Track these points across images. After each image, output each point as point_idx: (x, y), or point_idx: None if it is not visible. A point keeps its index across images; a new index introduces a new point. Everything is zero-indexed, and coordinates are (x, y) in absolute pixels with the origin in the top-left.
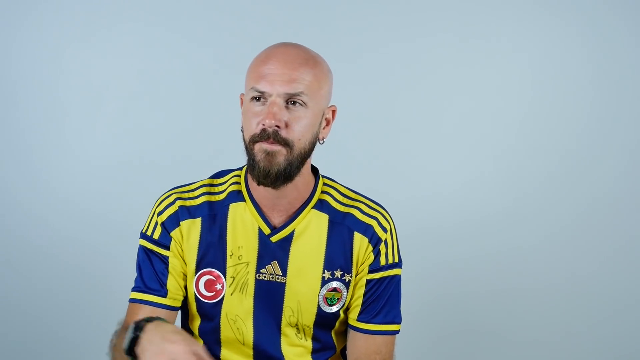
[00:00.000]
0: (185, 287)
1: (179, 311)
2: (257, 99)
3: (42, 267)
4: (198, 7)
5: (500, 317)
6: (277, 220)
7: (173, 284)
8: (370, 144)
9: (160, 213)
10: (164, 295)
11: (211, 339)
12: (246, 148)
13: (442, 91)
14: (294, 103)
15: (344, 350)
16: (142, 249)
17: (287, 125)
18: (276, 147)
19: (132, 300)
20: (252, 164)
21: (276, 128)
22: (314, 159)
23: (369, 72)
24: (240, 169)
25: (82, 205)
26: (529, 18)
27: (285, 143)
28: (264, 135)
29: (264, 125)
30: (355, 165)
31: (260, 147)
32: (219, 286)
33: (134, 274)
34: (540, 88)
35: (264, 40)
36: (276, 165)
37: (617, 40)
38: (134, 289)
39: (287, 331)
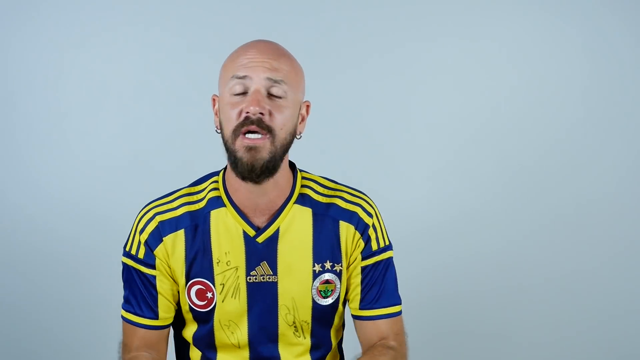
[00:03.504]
0: (178, 303)
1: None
2: (239, 93)
3: (42, 269)
4: (199, 10)
5: (495, 316)
6: (260, 221)
7: (164, 304)
8: (360, 143)
9: (141, 231)
10: (156, 317)
11: (206, 344)
12: (226, 145)
13: (442, 92)
14: (274, 95)
15: (340, 344)
16: (127, 267)
17: (270, 114)
18: (259, 141)
19: (125, 320)
20: (234, 161)
21: (260, 115)
22: (304, 157)
23: (363, 74)
24: (217, 173)
25: (82, 206)
26: (526, 17)
27: (269, 130)
28: (246, 123)
29: (247, 113)
30: (345, 164)
31: (241, 143)
32: (209, 294)
33: None
34: (542, 89)
35: None
36: (260, 160)
37: (617, 40)
38: (125, 308)
39: (285, 331)
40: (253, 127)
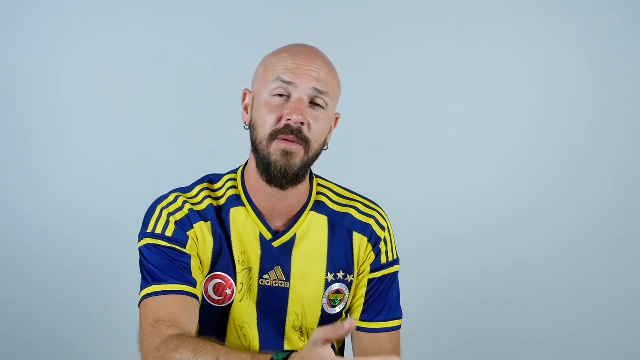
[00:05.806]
0: None
1: None
2: (280, 94)
3: (43, 270)
4: (201, 9)
5: (508, 324)
6: (277, 224)
7: (198, 277)
8: (375, 148)
9: (172, 213)
10: (194, 285)
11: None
12: (258, 145)
13: (445, 94)
14: (316, 103)
15: (341, 349)
16: (150, 247)
17: (308, 125)
18: (295, 147)
19: (152, 295)
20: (266, 163)
21: (300, 125)
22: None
23: (373, 75)
24: (234, 171)
25: (81, 207)
26: (529, 18)
27: (305, 142)
28: (285, 130)
29: (289, 120)
30: (360, 169)
31: (277, 146)
32: (228, 291)
33: (131, 276)
34: (543, 90)
35: (265, 43)
36: (294, 166)
37: (619, 41)
38: (151, 284)
39: (291, 335)
40: (291, 137)
